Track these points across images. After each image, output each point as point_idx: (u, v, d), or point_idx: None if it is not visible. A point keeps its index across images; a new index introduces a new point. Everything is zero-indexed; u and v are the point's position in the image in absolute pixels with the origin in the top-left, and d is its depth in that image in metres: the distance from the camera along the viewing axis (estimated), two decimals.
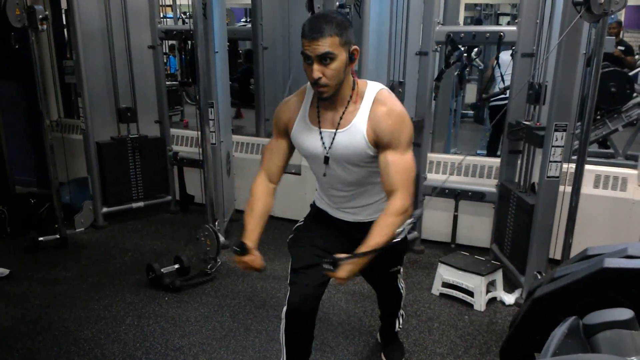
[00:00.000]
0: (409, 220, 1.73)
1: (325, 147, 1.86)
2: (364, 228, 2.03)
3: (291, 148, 1.99)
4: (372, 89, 1.83)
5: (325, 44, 1.67)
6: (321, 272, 1.72)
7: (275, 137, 1.99)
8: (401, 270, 2.33)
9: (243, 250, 1.81)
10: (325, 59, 1.69)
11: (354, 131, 1.81)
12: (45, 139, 3.89)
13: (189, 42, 4.26)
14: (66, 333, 2.81)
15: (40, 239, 3.81)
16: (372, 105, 1.80)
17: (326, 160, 1.88)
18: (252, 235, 1.87)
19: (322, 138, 1.86)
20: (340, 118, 1.83)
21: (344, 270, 1.68)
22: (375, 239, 1.72)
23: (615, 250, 1.02)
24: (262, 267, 1.85)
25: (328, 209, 2.08)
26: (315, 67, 1.70)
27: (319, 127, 1.86)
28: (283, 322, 2.00)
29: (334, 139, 1.84)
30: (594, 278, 0.97)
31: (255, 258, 1.83)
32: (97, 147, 4.22)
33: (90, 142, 4.18)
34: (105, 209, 4.34)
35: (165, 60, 7.34)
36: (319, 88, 1.75)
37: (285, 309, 1.97)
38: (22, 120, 4.94)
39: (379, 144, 1.79)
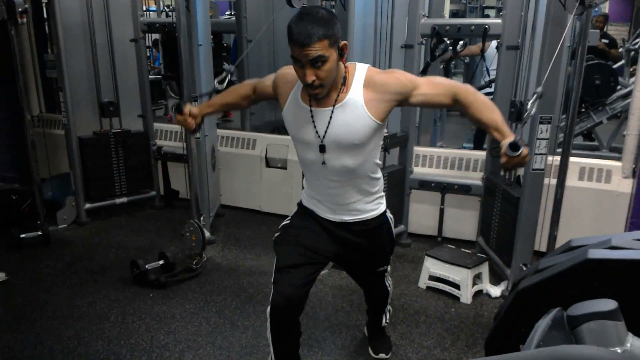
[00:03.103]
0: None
1: (318, 134, 1.84)
2: (350, 228, 2.03)
3: (264, 98, 2.12)
4: (362, 68, 1.86)
5: (316, 49, 1.66)
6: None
7: (265, 81, 2.05)
8: (388, 269, 2.33)
9: (179, 109, 2.07)
10: (317, 62, 1.68)
11: (351, 104, 1.81)
12: (27, 135, 3.82)
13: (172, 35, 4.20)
14: (49, 331, 2.77)
15: (22, 235, 3.75)
16: (366, 80, 1.81)
17: (322, 148, 1.86)
18: (204, 106, 2.17)
19: (312, 117, 1.84)
20: (336, 100, 1.82)
21: (525, 150, 1.66)
22: (493, 115, 1.77)
23: (599, 241, 1.02)
24: (192, 130, 2.12)
25: (315, 208, 2.06)
26: (308, 71, 1.70)
27: (310, 106, 1.84)
28: (268, 320, 1.99)
29: (330, 118, 1.82)
30: (578, 269, 0.97)
31: (187, 119, 2.07)
32: (79, 142, 4.16)
33: (72, 137, 4.11)
34: (88, 205, 4.28)
35: (148, 54, 7.22)
36: (313, 90, 1.75)
37: (269, 308, 1.96)
38: (3, 116, 4.83)
39: (404, 100, 1.84)
